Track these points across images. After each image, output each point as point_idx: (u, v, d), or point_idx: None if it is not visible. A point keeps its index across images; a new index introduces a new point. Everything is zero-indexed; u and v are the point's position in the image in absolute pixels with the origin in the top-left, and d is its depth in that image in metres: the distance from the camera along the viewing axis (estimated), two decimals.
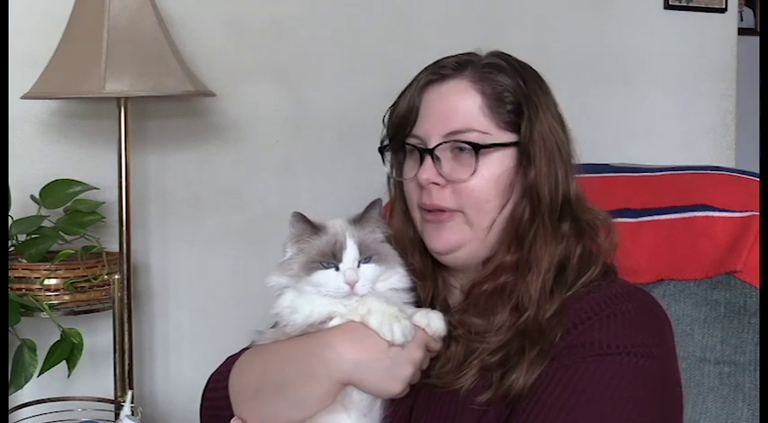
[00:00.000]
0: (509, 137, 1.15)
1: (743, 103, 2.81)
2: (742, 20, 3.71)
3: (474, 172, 1.13)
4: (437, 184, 1.15)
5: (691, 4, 2.69)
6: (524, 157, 1.15)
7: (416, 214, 1.20)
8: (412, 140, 1.18)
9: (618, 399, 1.02)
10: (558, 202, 1.14)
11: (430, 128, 1.16)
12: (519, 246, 1.13)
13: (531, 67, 1.21)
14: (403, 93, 1.21)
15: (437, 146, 1.15)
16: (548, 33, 2.45)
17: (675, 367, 1.11)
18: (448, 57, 1.21)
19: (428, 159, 1.15)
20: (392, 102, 1.22)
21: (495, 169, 1.15)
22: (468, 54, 1.21)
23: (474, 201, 1.15)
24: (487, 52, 1.21)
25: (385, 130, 1.23)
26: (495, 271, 1.14)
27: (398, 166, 1.23)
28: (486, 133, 1.15)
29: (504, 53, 1.21)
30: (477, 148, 1.13)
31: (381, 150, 1.23)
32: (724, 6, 2.74)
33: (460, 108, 1.15)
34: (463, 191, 1.15)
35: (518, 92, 1.16)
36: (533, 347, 1.06)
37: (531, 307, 1.09)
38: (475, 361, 1.08)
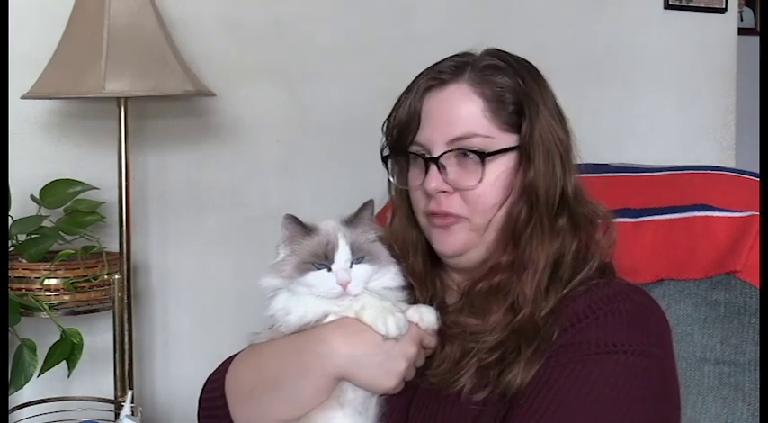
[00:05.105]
0: (511, 139, 1.15)
1: (743, 103, 2.81)
2: (742, 20, 3.71)
3: (481, 179, 1.14)
4: (445, 192, 1.15)
5: (691, 4, 2.69)
6: (524, 158, 1.14)
7: (423, 220, 1.20)
8: (415, 148, 1.18)
9: (615, 397, 1.02)
10: (555, 200, 1.14)
11: (433, 135, 1.15)
12: (515, 245, 1.14)
13: (526, 62, 1.20)
14: (401, 100, 1.20)
15: (442, 154, 1.14)
16: (548, 33, 2.45)
17: (673, 366, 1.11)
18: (444, 60, 1.19)
19: (433, 168, 1.15)
20: (392, 102, 1.21)
21: (498, 172, 1.15)
22: (464, 55, 1.19)
23: (481, 207, 1.15)
24: (483, 51, 1.20)
25: (384, 139, 1.22)
26: (491, 270, 1.14)
27: (402, 174, 1.23)
28: (490, 137, 1.14)
29: (499, 51, 1.20)
30: (483, 156, 1.13)
31: (384, 159, 1.23)
32: (724, 6, 2.74)
33: (462, 113, 1.14)
34: (470, 197, 1.15)
35: (518, 91, 1.15)
36: (529, 345, 1.06)
37: (527, 305, 1.09)
38: (472, 360, 1.08)
